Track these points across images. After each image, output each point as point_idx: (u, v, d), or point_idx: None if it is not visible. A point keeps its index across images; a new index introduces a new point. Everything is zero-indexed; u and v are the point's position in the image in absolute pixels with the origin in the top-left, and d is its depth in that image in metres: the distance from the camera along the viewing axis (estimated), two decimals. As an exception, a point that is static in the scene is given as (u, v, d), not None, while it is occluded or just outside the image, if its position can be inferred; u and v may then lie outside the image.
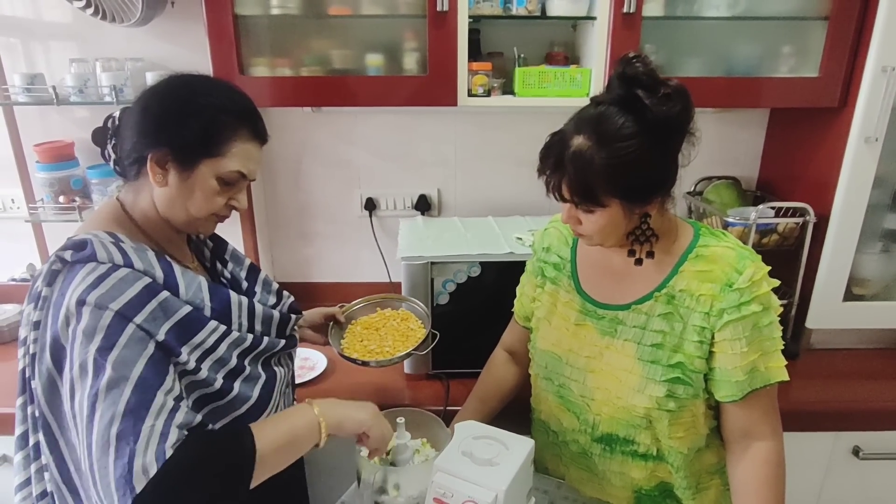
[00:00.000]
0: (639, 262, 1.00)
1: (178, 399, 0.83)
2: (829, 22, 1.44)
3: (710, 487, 1.09)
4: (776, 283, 0.98)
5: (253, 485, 0.82)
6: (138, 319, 0.82)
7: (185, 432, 0.80)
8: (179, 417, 0.80)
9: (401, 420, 1.04)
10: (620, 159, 0.88)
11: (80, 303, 0.81)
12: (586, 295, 1.09)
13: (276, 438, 0.86)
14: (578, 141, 0.90)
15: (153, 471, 0.74)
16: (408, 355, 1.20)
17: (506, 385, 1.27)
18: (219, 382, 0.89)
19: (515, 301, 1.26)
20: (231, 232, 1.02)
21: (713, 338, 0.97)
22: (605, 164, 0.88)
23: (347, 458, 1.12)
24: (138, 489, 0.73)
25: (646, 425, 1.02)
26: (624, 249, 1.02)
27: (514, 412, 1.23)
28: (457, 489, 0.93)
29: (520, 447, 1.00)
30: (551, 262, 1.16)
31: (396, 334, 1.25)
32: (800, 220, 1.54)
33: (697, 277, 0.98)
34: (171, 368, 0.84)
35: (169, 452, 0.76)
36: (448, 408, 1.33)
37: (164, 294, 0.86)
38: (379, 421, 0.98)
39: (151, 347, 0.82)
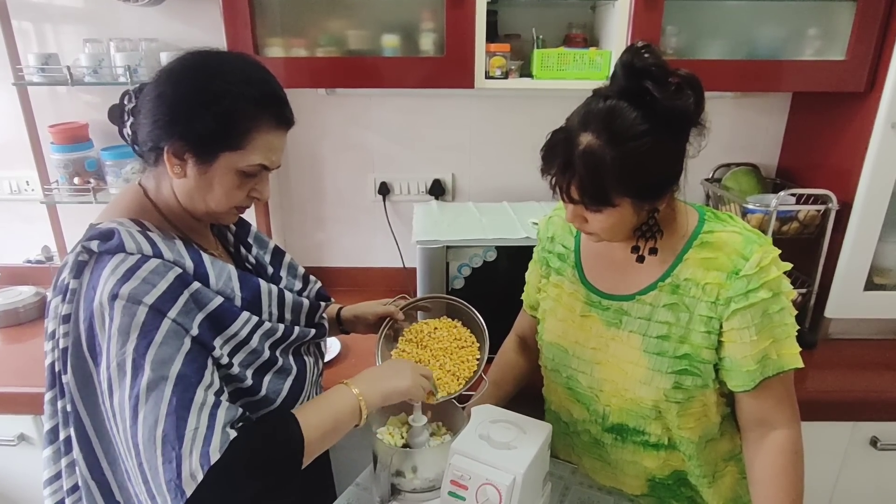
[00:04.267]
0: (640, 259, 0.97)
1: (219, 393, 0.82)
2: (858, 3, 1.40)
3: (726, 474, 1.08)
4: (787, 266, 0.94)
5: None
6: (172, 313, 0.80)
7: (232, 432, 0.80)
8: (221, 415, 0.80)
9: (417, 403, 1.04)
10: (634, 159, 0.84)
11: (113, 297, 0.79)
12: (591, 285, 1.07)
13: (321, 424, 0.88)
14: (587, 139, 0.85)
15: (200, 476, 0.76)
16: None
17: (519, 370, 1.27)
18: (248, 381, 0.88)
19: (524, 290, 1.26)
20: (245, 215, 1.00)
21: (721, 327, 0.94)
22: (618, 164, 0.84)
23: (369, 439, 1.12)
24: (189, 493, 0.75)
25: (655, 416, 1.01)
26: (628, 242, 0.99)
27: (530, 400, 1.22)
28: (475, 472, 0.92)
29: (537, 431, 0.99)
30: (556, 252, 1.14)
31: (449, 361, 1.14)
32: (821, 207, 1.51)
33: (703, 265, 0.95)
34: (209, 362, 0.83)
35: (214, 457, 0.77)
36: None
37: (196, 285, 0.84)
38: (416, 380, 1.00)
39: (188, 342, 0.81)
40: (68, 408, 0.87)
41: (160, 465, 0.76)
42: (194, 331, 0.82)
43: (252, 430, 0.83)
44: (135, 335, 0.78)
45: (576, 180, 0.87)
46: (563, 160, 0.88)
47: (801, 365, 0.94)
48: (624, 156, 0.83)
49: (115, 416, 0.80)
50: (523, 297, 1.26)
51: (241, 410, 0.84)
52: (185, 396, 0.78)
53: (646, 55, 0.84)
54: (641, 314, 1.00)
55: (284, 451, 0.84)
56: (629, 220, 0.93)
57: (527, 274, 1.24)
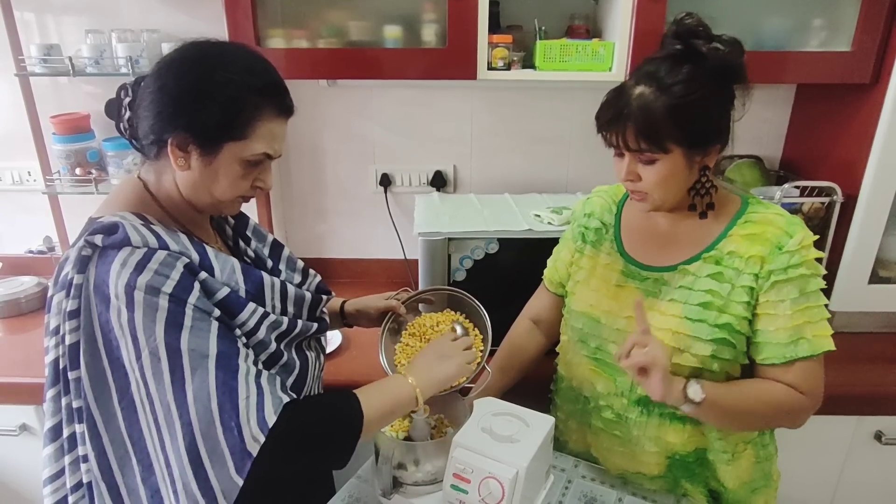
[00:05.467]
0: (703, 215, 1.00)
1: (256, 362, 0.85)
2: (864, -7, 1.38)
3: (744, 457, 1.08)
4: (821, 254, 0.98)
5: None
6: (192, 300, 0.81)
7: (284, 396, 0.84)
8: (266, 380, 0.84)
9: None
10: (684, 99, 0.90)
11: (131, 289, 0.78)
12: (629, 257, 1.09)
13: (381, 406, 0.93)
14: (640, 89, 0.93)
15: (262, 439, 0.79)
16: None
17: (528, 354, 1.27)
18: (260, 367, 0.88)
19: (547, 267, 1.26)
20: (246, 208, 1.00)
21: (758, 300, 0.97)
22: (668, 105, 0.90)
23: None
24: (254, 453, 0.79)
25: None
26: (672, 213, 1.04)
27: (532, 392, 1.22)
28: (477, 465, 0.92)
29: (540, 424, 0.99)
30: (593, 226, 1.16)
31: None
32: (826, 200, 1.50)
33: (747, 240, 0.99)
34: (235, 337, 0.86)
35: (270, 420, 0.80)
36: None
37: (204, 275, 0.85)
38: (461, 359, 1.04)
39: (214, 323, 0.83)
40: (75, 405, 0.86)
41: (220, 434, 0.79)
42: (215, 313, 0.84)
43: (315, 401, 0.87)
44: (162, 324, 0.79)
45: (631, 125, 0.93)
46: (617, 111, 0.94)
47: (833, 348, 0.97)
48: (674, 98, 0.91)
49: (154, 402, 0.81)
50: (546, 274, 1.26)
51: (279, 377, 0.88)
52: (230, 369, 0.81)
53: (688, 20, 0.93)
54: (683, 283, 1.02)
55: (344, 425, 0.88)
56: (682, 174, 0.97)
57: (553, 254, 1.25)
